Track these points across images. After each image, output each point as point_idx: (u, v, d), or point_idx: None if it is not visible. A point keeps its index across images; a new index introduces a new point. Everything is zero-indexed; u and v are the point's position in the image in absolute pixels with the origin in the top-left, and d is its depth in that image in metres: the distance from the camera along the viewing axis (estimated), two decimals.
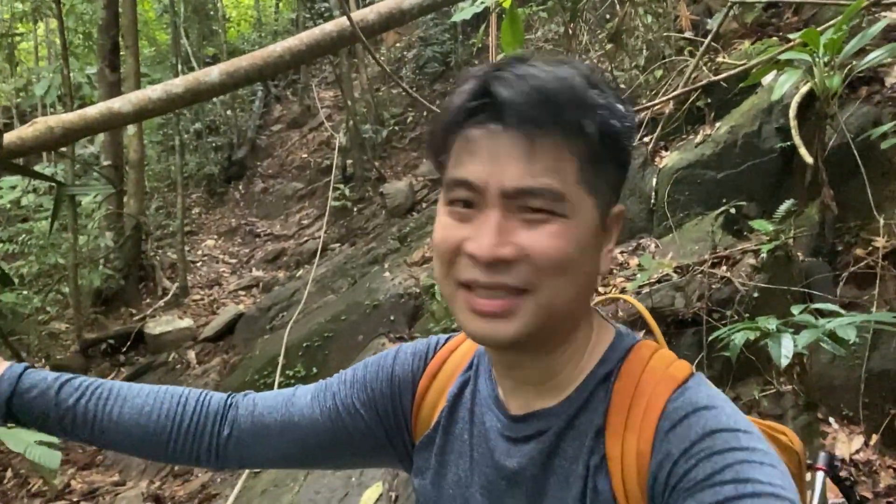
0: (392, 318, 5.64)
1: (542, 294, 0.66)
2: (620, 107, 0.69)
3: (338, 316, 5.90)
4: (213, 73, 3.73)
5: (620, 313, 3.23)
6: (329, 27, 3.77)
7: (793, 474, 0.89)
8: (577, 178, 0.66)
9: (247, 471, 3.83)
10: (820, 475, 1.10)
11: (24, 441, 2.33)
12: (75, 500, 4.72)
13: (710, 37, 3.47)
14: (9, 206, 8.26)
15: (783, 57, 3.00)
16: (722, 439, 0.62)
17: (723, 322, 2.76)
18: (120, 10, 8.17)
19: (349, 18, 2.92)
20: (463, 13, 4.46)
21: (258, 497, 3.35)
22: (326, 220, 7.78)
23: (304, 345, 5.70)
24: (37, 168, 8.11)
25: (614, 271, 3.54)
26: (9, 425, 0.91)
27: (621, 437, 0.68)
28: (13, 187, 8.14)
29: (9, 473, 4.81)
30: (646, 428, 0.67)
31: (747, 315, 2.74)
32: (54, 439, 2.55)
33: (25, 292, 7.07)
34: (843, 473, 2.46)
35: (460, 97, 0.69)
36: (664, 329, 2.99)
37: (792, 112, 3.17)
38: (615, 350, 0.74)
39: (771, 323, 1.91)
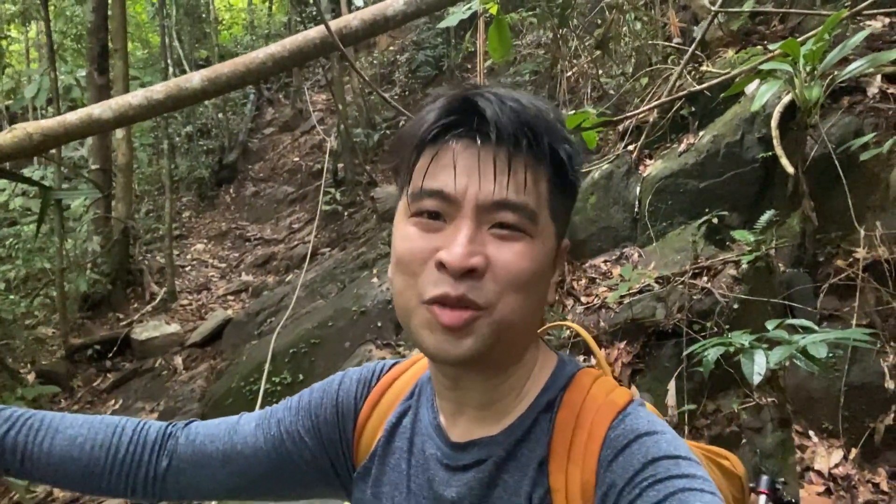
0: (379, 324, 5.62)
1: (500, 311, 0.67)
2: (572, 147, 0.72)
3: (325, 322, 5.87)
4: (195, 79, 3.70)
5: (602, 323, 3.21)
6: (312, 34, 3.74)
7: (735, 499, 0.88)
8: (546, 202, 0.69)
9: None
10: (762, 499, 1.12)
11: None
12: None
13: (693, 45, 3.46)
14: None
15: (765, 67, 2.98)
16: (664, 467, 0.62)
17: (703, 334, 2.75)
18: (109, 13, 8.13)
19: (327, 27, 2.90)
20: (450, 20, 4.45)
21: None
22: (317, 224, 7.75)
23: (291, 351, 5.66)
24: (25, 172, 8.08)
25: (597, 280, 3.53)
26: None
27: (565, 469, 0.68)
28: (1, 191, 8.11)
29: None
30: (588, 457, 0.67)
31: (727, 327, 2.73)
32: None
33: (12, 297, 7.03)
34: (820, 488, 2.45)
35: (434, 112, 0.70)
36: (645, 340, 2.97)
37: (774, 122, 3.16)
38: (557, 378, 0.74)
39: (744, 338, 1.89)
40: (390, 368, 0.88)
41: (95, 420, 0.89)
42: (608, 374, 0.78)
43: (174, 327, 7.19)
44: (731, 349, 1.97)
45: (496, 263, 0.66)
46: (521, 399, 0.73)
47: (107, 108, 3.69)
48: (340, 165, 9.56)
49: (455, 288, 0.66)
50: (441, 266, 0.66)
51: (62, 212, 7.23)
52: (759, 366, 1.79)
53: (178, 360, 6.80)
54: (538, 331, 0.80)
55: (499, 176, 0.66)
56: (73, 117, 3.59)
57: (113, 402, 6.47)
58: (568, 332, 2.96)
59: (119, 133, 8.09)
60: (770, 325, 1.96)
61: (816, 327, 1.91)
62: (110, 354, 7.01)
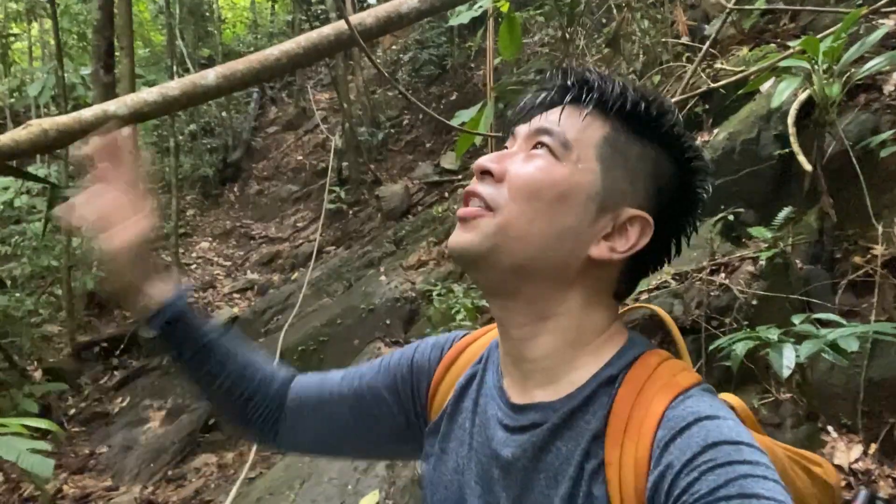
0: (388, 322, 5.62)
1: (504, 214, 0.72)
2: (683, 130, 0.77)
3: (333, 320, 5.88)
4: (210, 76, 3.70)
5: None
6: (327, 31, 3.74)
7: None
8: (594, 146, 0.73)
9: (241, 477, 3.80)
10: None
11: (17, 449, 2.30)
12: None
13: (708, 43, 3.47)
14: (1, 207, 8.20)
15: (782, 64, 2.99)
16: (724, 452, 0.61)
17: (721, 330, 2.75)
18: (115, 10, 8.12)
19: (348, 23, 2.90)
20: (461, 17, 4.44)
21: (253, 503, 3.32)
22: (322, 222, 7.75)
23: (300, 349, 5.67)
24: (30, 169, 8.06)
25: None
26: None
27: (620, 444, 0.68)
28: (6, 188, 8.09)
29: (0, 478, 4.75)
30: (644, 435, 0.66)
31: (746, 323, 2.73)
32: (47, 446, 2.52)
33: (18, 294, 7.01)
34: (841, 483, 2.46)
35: (536, 88, 0.80)
36: (663, 336, 2.98)
37: (790, 119, 3.17)
38: (623, 356, 0.74)
39: (772, 333, 1.90)
40: (464, 336, 0.93)
41: (261, 359, 0.98)
42: (687, 362, 0.78)
43: None
44: (757, 343, 1.98)
45: (511, 172, 0.74)
46: (580, 368, 0.74)
47: (122, 104, 3.69)
48: (345, 164, 9.56)
49: (473, 185, 0.75)
50: (475, 173, 0.76)
51: None
52: (788, 360, 1.80)
53: None
54: (622, 311, 0.81)
55: (545, 114, 0.76)
56: (88, 114, 3.59)
57: (120, 399, 6.47)
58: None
59: (125, 131, 8.07)
60: (797, 318, 1.96)
61: (843, 321, 1.92)
62: (117, 352, 7.01)
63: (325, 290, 6.96)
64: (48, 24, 9.89)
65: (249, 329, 6.81)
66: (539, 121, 0.76)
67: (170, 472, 5.11)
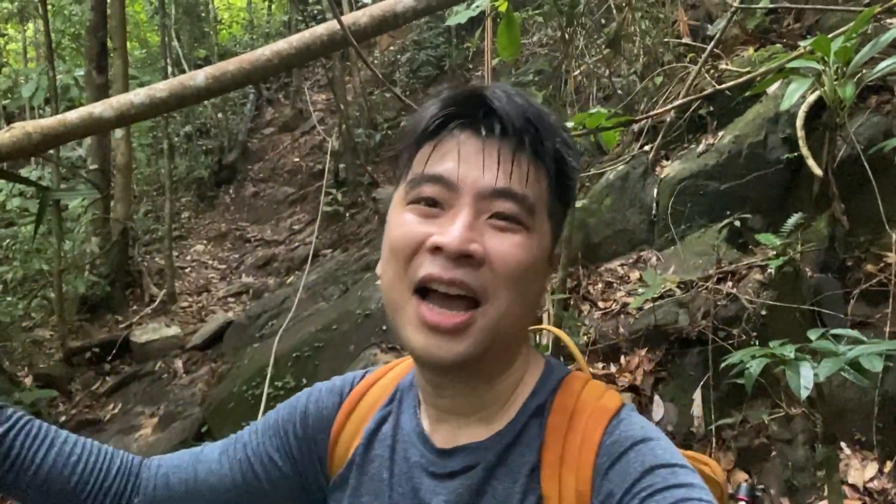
0: (384, 327, 5.51)
1: (496, 307, 0.66)
2: (579, 158, 0.74)
3: (329, 325, 5.76)
4: (199, 77, 3.60)
5: (622, 329, 3.11)
6: (319, 31, 3.64)
7: None
8: (545, 201, 0.69)
9: None
10: None
11: None
12: None
13: (712, 43, 3.37)
14: None
15: (791, 65, 2.89)
16: (662, 476, 0.62)
17: (729, 341, 2.65)
18: (108, 11, 8.02)
19: (340, 23, 2.80)
20: (458, 17, 4.34)
21: None
22: (318, 225, 7.64)
23: (294, 354, 5.55)
24: (23, 171, 7.96)
25: (615, 285, 3.42)
26: None
27: (558, 475, 0.67)
28: None
29: None
30: (583, 464, 0.66)
31: (755, 334, 2.63)
32: None
33: (9, 298, 6.91)
34: (857, 503, 2.35)
35: (439, 103, 0.70)
36: (667, 348, 2.88)
37: (799, 122, 3.07)
38: (546, 382, 0.73)
39: (787, 349, 1.79)
40: (364, 377, 0.86)
41: (88, 442, 0.85)
42: (591, 378, 0.78)
43: (174, 330, 7.07)
44: (759, 361, 1.87)
45: (495, 254, 0.65)
46: (510, 404, 0.72)
47: (108, 106, 3.58)
48: (342, 166, 9.46)
49: (448, 271, 0.64)
50: (436, 250, 0.64)
51: (60, 212, 7.12)
52: (805, 380, 1.69)
53: (179, 364, 6.69)
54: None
55: (502, 165, 0.66)
56: (73, 116, 3.48)
57: (112, 405, 6.36)
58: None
59: (118, 133, 7.98)
60: (812, 334, 1.86)
61: (864, 338, 1.81)
62: (109, 357, 6.89)
63: (321, 293, 6.84)
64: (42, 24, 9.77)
65: (244, 334, 6.70)
66: (500, 177, 0.66)
67: None
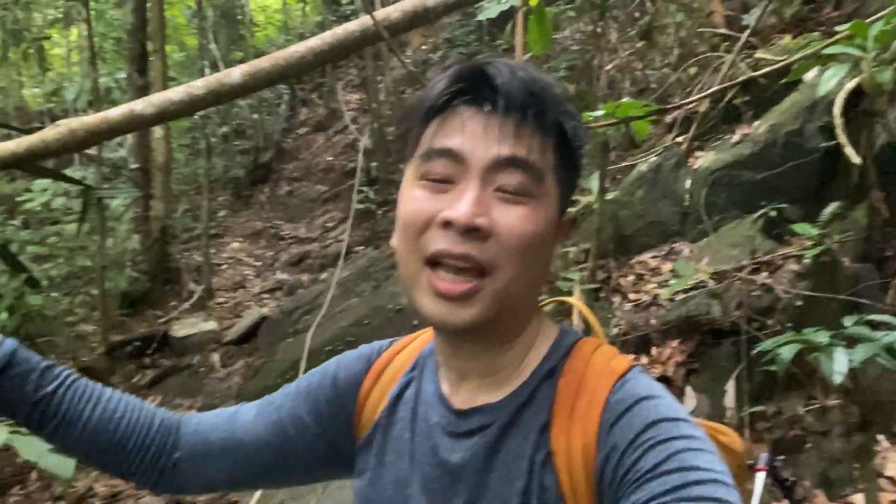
0: (415, 322, 5.55)
1: (502, 277, 0.68)
2: (583, 129, 0.75)
3: (360, 320, 5.84)
4: (235, 74, 3.67)
5: (653, 321, 3.09)
6: (352, 26, 3.68)
7: (734, 475, 0.88)
8: (552, 168, 0.71)
9: None
10: (761, 475, 1.12)
11: (38, 449, 2.28)
12: (97, 503, 4.71)
13: (747, 32, 3.32)
14: (39, 208, 8.38)
15: (828, 51, 2.83)
16: (664, 429, 0.64)
17: (764, 332, 2.61)
18: (148, 15, 8.24)
19: (371, 16, 2.83)
20: (489, 11, 4.35)
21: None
22: (350, 222, 7.73)
23: (327, 349, 5.64)
24: (68, 171, 8.21)
25: (646, 277, 3.40)
26: None
27: (566, 432, 0.69)
28: (44, 190, 8.26)
29: (33, 476, 4.82)
30: (590, 421, 0.68)
31: (790, 325, 2.59)
32: None
33: (54, 294, 7.14)
34: (894, 496, 2.30)
35: (445, 80, 0.72)
36: (700, 339, 2.84)
37: (837, 109, 3.00)
38: (559, 347, 0.76)
39: (821, 336, 1.76)
40: (391, 345, 0.89)
41: (132, 399, 0.89)
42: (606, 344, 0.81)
43: (211, 325, 7.24)
44: (804, 347, 1.85)
45: (501, 226, 0.67)
46: (523, 368, 0.75)
47: (148, 103, 3.68)
48: (374, 164, 9.55)
49: (457, 245, 0.67)
50: (446, 224, 0.67)
51: (103, 211, 7.32)
52: (839, 365, 1.67)
53: (216, 358, 6.85)
54: (540, 303, 0.83)
55: (507, 136, 0.68)
56: (115, 113, 3.59)
57: (152, 398, 6.53)
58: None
59: (158, 133, 8.19)
60: (848, 320, 1.83)
61: None
62: (149, 351, 7.08)
63: (354, 290, 6.93)
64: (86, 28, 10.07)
65: (278, 329, 6.82)
66: (507, 147, 0.68)
67: None
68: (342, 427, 0.86)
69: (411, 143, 0.74)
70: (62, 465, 2.31)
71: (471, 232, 0.67)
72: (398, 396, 0.83)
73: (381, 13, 3.80)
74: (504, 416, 0.73)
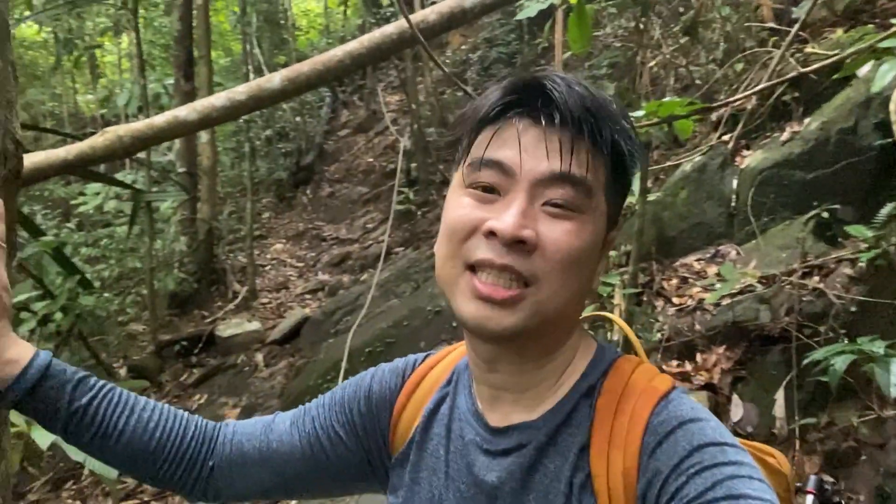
0: (454, 324, 5.54)
1: (545, 290, 0.67)
2: (640, 147, 0.74)
3: (400, 321, 5.86)
4: (275, 79, 3.73)
5: (698, 326, 3.00)
6: (389, 29, 3.69)
7: (781, 497, 0.82)
8: (603, 185, 0.71)
9: None
10: (809, 499, 1.08)
11: None
12: (146, 499, 4.84)
13: (797, 25, 3.19)
14: (92, 211, 8.68)
15: (883, 45, 2.70)
16: (710, 454, 0.62)
17: (815, 339, 2.50)
18: (194, 22, 8.44)
19: (407, 20, 2.82)
20: (528, 10, 4.30)
21: None
22: (390, 224, 7.76)
23: (367, 350, 5.67)
24: (118, 176, 8.48)
25: (690, 280, 3.31)
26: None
27: (606, 454, 0.67)
28: (97, 194, 8.56)
29: (85, 471, 4.98)
30: (630, 443, 0.66)
31: (843, 331, 2.48)
32: None
33: (106, 295, 7.38)
34: None
35: (500, 91, 0.71)
36: (747, 345, 2.75)
37: (893, 105, 2.86)
38: (597, 364, 0.74)
39: (876, 345, 1.68)
40: (425, 359, 0.88)
41: (165, 409, 0.89)
42: (647, 363, 0.78)
43: (255, 325, 7.37)
44: (858, 357, 1.76)
45: (546, 240, 0.67)
46: (561, 385, 0.74)
47: (192, 109, 3.77)
48: (413, 165, 9.58)
49: (501, 256, 0.66)
50: (490, 234, 0.67)
51: (152, 214, 7.53)
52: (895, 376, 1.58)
53: (259, 357, 6.97)
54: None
55: (558, 154, 0.67)
56: (160, 120, 3.68)
57: (198, 396, 6.69)
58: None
59: (204, 137, 8.39)
60: None
61: None
62: (196, 350, 7.25)
63: (394, 291, 6.96)
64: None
65: (319, 330, 6.90)
66: (559, 163, 0.68)
67: None
68: (377, 443, 0.86)
69: (462, 150, 0.74)
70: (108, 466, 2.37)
71: (515, 244, 0.66)
72: (433, 412, 0.82)
73: (419, 15, 3.80)
74: (541, 436, 0.71)
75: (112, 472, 2.32)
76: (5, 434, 0.88)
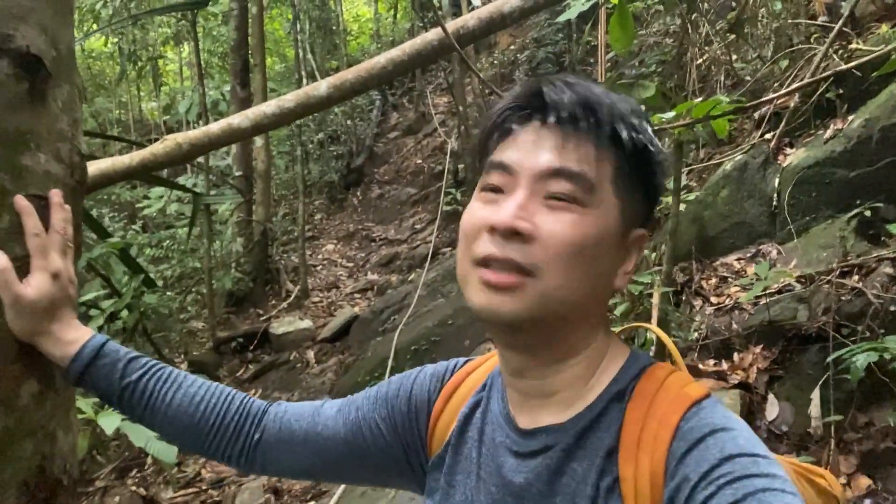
0: None
1: (548, 280, 0.68)
2: (657, 143, 0.74)
3: (445, 320, 5.95)
4: (322, 87, 3.88)
5: (735, 325, 2.99)
6: (430, 36, 3.79)
7: None
8: (611, 178, 0.71)
9: None
10: None
11: (145, 435, 2.53)
12: (205, 487, 5.09)
13: (841, 21, 3.14)
14: (155, 214, 9.12)
15: None
16: (741, 465, 0.60)
17: (852, 338, 2.48)
18: (250, 30, 8.76)
19: (443, 28, 2.92)
20: (569, 12, 4.35)
21: (358, 498, 3.44)
22: (438, 224, 7.88)
23: (413, 348, 5.80)
24: (180, 180, 8.89)
25: (729, 279, 3.29)
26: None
27: (634, 458, 0.67)
28: (160, 197, 8.98)
29: (149, 460, 5.26)
30: (659, 448, 0.66)
31: (882, 331, 2.44)
32: None
33: (168, 293, 7.75)
34: None
35: (507, 100, 0.75)
36: (784, 345, 2.73)
37: None
38: (629, 369, 0.74)
39: None
40: (465, 364, 0.90)
41: (211, 385, 0.95)
42: (684, 372, 0.76)
43: (307, 323, 7.60)
44: (888, 356, 1.76)
45: (544, 231, 0.68)
46: (590, 389, 0.73)
47: (244, 117, 3.96)
48: (461, 166, 9.67)
49: (502, 250, 0.68)
50: (492, 230, 0.69)
51: (210, 216, 7.86)
52: None
53: (311, 354, 7.19)
54: (616, 330, 0.81)
55: (554, 150, 0.70)
56: (215, 127, 3.89)
57: (253, 391, 6.95)
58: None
59: (259, 142, 8.69)
60: None
61: None
62: (251, 347, 7.53)
63: (440, 290, 7.06)
64: None
65: (368, 328, 7.07)
66: (553, 158, 0.70)
67: None
68: (414, 444, 0.88)
69: (480, 157, 0.78)
70: (166, 451, 2.56)
71: (512, 235, 0.68)
72: (468, 416, 0.83)
73: (459, 21, 3.89)
74: (568, 438, 0.72)
75: (170, 457, 2.50)
76: (72, 409, 1.01)
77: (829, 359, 1.86)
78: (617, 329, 0.81)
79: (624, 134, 0.71)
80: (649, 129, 0.74)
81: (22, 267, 0.88)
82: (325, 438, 0.90)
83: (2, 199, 0.88)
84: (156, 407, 0.92)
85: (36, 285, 0.88)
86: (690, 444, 0.64)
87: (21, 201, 0.89)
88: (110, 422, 2.42)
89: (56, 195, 0.93)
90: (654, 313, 3.04)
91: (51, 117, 0.95)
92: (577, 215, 0.69)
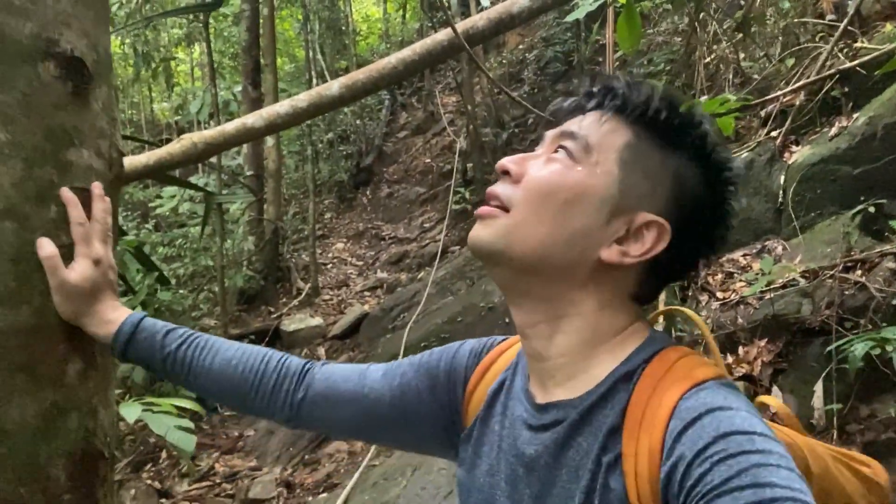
0: (507, 320, 5.66)
1: (516, 215, 0.75)
2: (712, 140, 0.76)
3: (454, 318, 6.01)
4: (334, 87, 3.95)
5: (740, 320, 3.05)
6: (440, 36, 3.85)
7: None
8: (616, 150, 0.75)
9: (364, 463, 4.02)
10: None
11: (166, 425, 2.60)
12: (218, 481, 5.18)
13: (846, 20, 3.18)
14: (168, 213, 9.23)
15: None
16: (736, 442, 0.60)
17: (855, 332, 2.52)
18: (261, 31, 8.85)
19: (453, 28, 2.98)
20: (577, 12, 4.40)
21: (370, 489, 3.51)
22: (447, 223, 7.95)
23: (422, 345, 5.86)
24: (191, 179, 9.00)
25: (735, 275, 3.34)
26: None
27: (636, 436, 0.68)
28: (172, 196, 9.09)
29: (163, 455, 5.36)
30: (657, 426, 0.67)
31: (884, 324, 2.49)
32: (191, 424, 2.84)
33: (181, 291, 7.85)
34: None
35: (559, 100, 0.85)
36: (788, 338, 2.78)
37: None
38: (641, 352, 0.75)
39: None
40: (500, 343, 0.94)
41: (248, 348, 1.01)
42: (721, 367, 0.75)
43: (317, 320, 7.68)
44: (888, 347, 1.81)
45: (529, 173, 0.76)
46: (602, 369, 0.75)
47: (258, 117, 4.04)
48: (470, 165, 9.72)
49: (495, 188, 0.78)
50: (499, 175, 0.79)
51: (223, 215, 7.94)
52: None
53: (321, 351, 7.27)
54: (651, 316, 0.83)
55: (576, 120, 0.78)
56: (230, 127, 3.96)
57: None
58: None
59: (269, 141, 8.78)
60: None
61: None
62: (263, 344, 7.55)
63: (449, 288, 7.12)
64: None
65: (378, 326, 7.14)
66: (568, 125, 0.79)
67: (306, 457, 5.49)
68: (451, 415, 0.92)
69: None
70: (185, 440, 2.62)
71: (503, 175, 0.78)
72: (496, 391, 0.87)
73: (468, 21, 3.95)
74: (575, 414, 0.74)
75: (189, 446, 2.56)
76: (110, 387, 1.08)
77: (830, 348, 1.91)
78: (651, 315, 0.82)
79: (649, 112, 0.75)
80: (707, 125, 0.76)
81: (67, 254, 0.96)
82: (371, 400, 0.94)
83: (50, 191, 0.95)
84: (196, 372, 0.98)
85: (80, 271, 0.96)
86: (686, 422, 0.64)
87: (67, 193, 0.97)
88: (132, 412, 2.49)
89: (97, 188, 1.01)
90: (661, 308, 3.09)
91: (92, 116, 1.02)
92: (563, 165, 0.75)
